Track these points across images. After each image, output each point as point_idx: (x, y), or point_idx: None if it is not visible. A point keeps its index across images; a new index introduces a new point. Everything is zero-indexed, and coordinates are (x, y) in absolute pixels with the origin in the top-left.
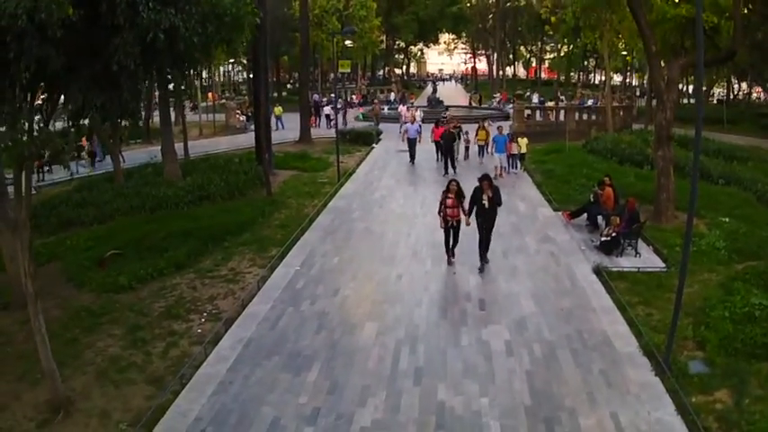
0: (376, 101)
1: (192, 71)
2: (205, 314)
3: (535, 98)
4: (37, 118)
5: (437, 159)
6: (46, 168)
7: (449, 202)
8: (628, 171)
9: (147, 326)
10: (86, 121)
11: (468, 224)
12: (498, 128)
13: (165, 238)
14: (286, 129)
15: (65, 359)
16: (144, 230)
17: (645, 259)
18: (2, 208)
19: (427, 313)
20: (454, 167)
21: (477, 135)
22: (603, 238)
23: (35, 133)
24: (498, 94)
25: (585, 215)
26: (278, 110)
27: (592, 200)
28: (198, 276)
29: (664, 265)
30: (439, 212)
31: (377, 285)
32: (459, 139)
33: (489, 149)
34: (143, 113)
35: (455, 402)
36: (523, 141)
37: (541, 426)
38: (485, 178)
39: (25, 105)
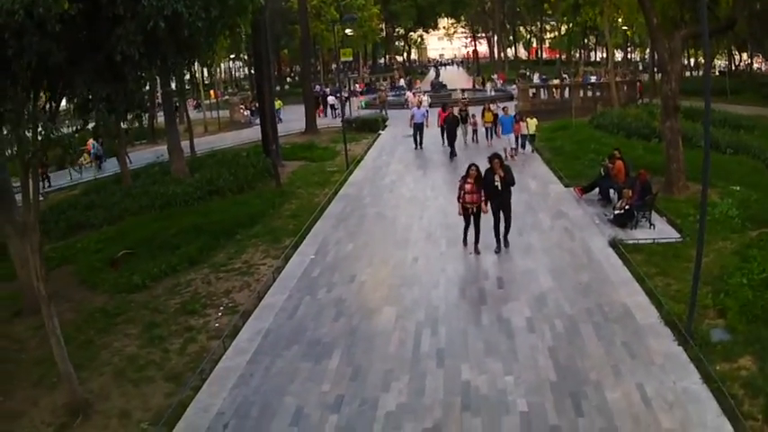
0: (382, 88)
1: (196, 59)
2: (221, 308)
3: (536, 78)
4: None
5: (442, 144)
6: (43, 177)
7: (468, 187)
8: (636, 144)
9: (164, 323)
10: (93, 116)
11: (485, 212)
12: (503, 108)
13: (177, 234)
14: (289, 120)
15: (81, 361)
16: (154, 228)
17: (659, 230)
18: (10, 213)
19: (445, 294)
20: (454, 153)
21: (483, 117)
22: (617, 211)
23: (40, 133)
24: (496, 75)
25: (597, 189)
26: (277, 103)
27: (603, 174)
28: (212, 271)
29: (678, 235)
30: (458, 199)
31: (393, 269)
32: (467, 122)
33: (497, 131)
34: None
35: (479, 382)
36: (532, 122)
37: (568, 401)
38: (495, 157)
39: (29, 104)
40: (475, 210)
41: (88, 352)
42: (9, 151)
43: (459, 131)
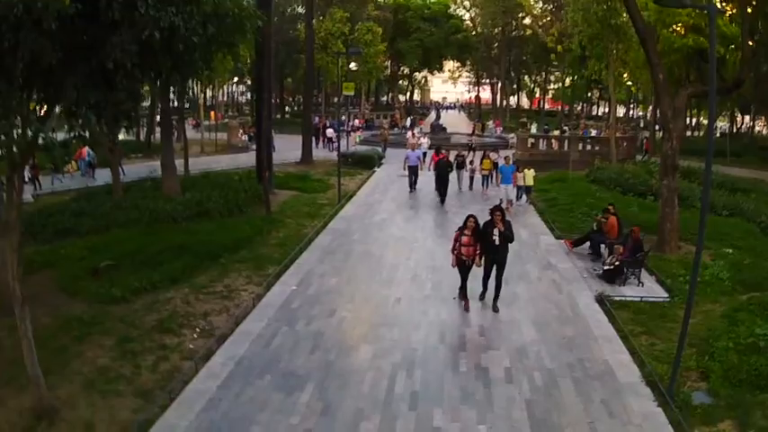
0: (385, 126)
1: (193, 76)
2: (198, 330)
3: (533, 128)
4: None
5: (435, 188)
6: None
7: (464, 240)
8: (631, 201)
9: (138, 338)
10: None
11: (479, 265)
12: (505, 158)
13: (161, 251)
14: (285, 150)
15: (52, 367)
16: (140, 243)
17: (648, 289)
18: None
19: (425, 337)
20: (443, 199)
21: (481, 164)
22: (606, 267)
23: (30, 134)
24: (491, 122)
25: (588, 244)
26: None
27: (595, 228)
28: (192, 291)
29: (667, 294)
30: (453, 250)
31: (375, 308)
32: (463, 168)
33: (494, 180)
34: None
35: (452, 429)
36: (530, 173)
37: None
38: (497, 209)
39: (21, 104)
40: (470, 262)
41: (60, 358)
42: None
43: (453, 177)
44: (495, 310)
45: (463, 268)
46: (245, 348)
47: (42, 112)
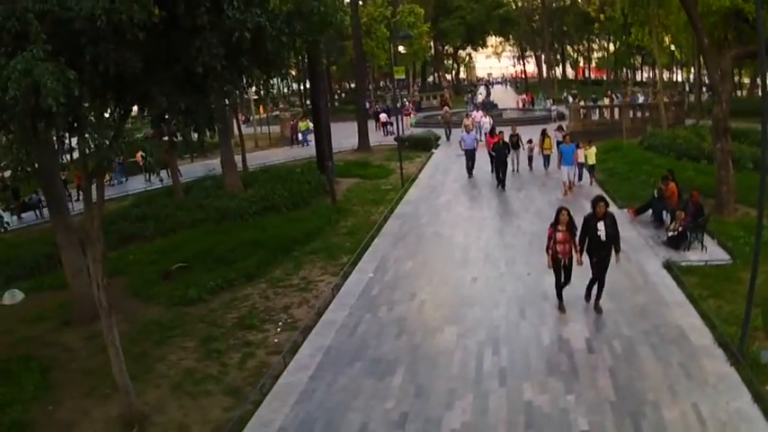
0: (446, 108)
1: (279, 73)
2: (280, 323)
3: (570, 98)
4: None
5: (492, 171)
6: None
7: (559, 236)
8: (686, 166)
9: (221, 337)
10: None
11: (580, 263)
12: (565, 137)
13: (233, 249)
14: (338, 138)
15: (136, 373)
16: (210, 242)
17: (711, 252)
18: (65, 223)
19: (506, 314)
20: (503, 183)
21: (542, 144)
22: (670, 233)
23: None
24: (522, 96)
25: (650, 211)
26: (304, 125)
27: (656, 195)
28: (269, 286)
29: (729, 257)
30: (547, 249)
31: (453, 289)
32: (518, 148)
33: (557, 161)
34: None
35: (541, 401)
36: (591, 151)
37: (627, 420)
38: (600, 200)
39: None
40: (567, 261)
41: (143, 364)
42: (65, 158)
43: (509, 159)
44: (598, 310)
45: (559, 268)
46: (331, 338)
47: (119, 116)
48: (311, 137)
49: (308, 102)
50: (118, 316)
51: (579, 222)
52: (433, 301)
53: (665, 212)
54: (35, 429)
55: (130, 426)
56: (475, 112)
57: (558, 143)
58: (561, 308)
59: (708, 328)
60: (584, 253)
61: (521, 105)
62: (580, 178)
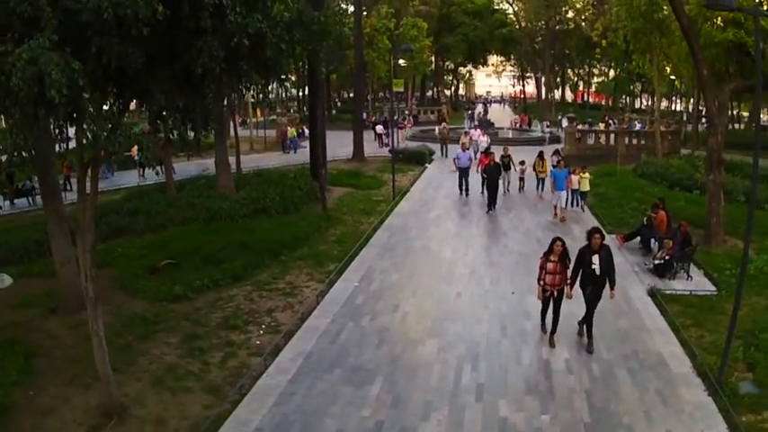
0: (444, 123)
1: (278, 78)
2: (263, 326)
3: (565, 121)
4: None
5: (481, 192)
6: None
7: (550, 266)
8: (678, 195)
9: (205, 335)
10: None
11: (570, 297)
12: (559, 162)
13: (221, 249)
14: (334, 147)
15: (118, 365)
16: (199, 241)
17: (696, 282)
18: (57, 212)
19: (488, 331)
20: (492, 205)
21: (537, 167)
22: (657, 261)
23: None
24: (517, 116)
25: (639, 238)
26: (292, 131)
27: (645, 223)
28: (255, 289)
29: (714, 288)
30: (539, 280)
31: (437, 303)
32: (511, 169)
33: (550, 185)
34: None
35: (517, 418)
36: (585, 177)
37: None
38: (596, 231)
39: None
40: (556, 293)
41: (126, 356)
42: (60, 147)
43: (500, 180)
44: (590, 350)
45: (546, 300)
46: (313, 344)
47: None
48: (306, 143)
49: (305, 108)
50: (103, 308)
51: (574, 253)
52: (417, 313)
53: (653, 240)
54: (15, 413)
55: (109, 416)
56: (473, 131)
57: (553, 167)
58: (551, 342)
59: (688, 357)
60: (576, 287)
61: (515, 126)
62: (572, 204)
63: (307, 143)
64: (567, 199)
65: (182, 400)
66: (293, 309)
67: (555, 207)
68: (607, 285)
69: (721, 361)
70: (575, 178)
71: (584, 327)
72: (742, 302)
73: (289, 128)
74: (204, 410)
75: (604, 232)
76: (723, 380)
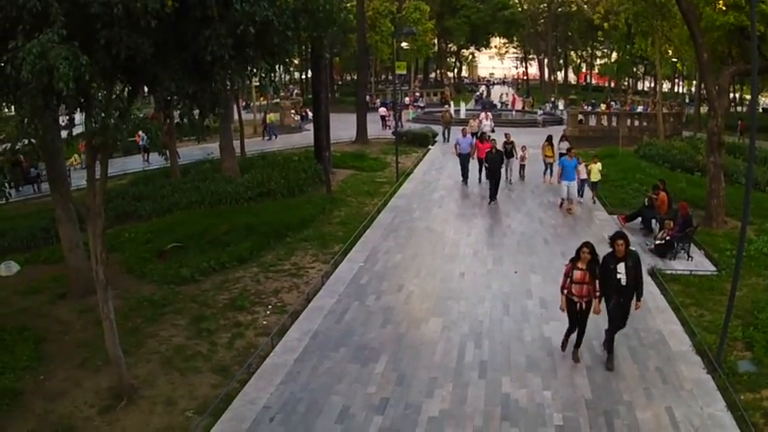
0: (447, 106)
1: (283, 63)
2: (270, 307)
3: (561, 104)
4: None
5: (479, 180)
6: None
7: (578, 275)
8: (679, 177)
9: (212, 317)
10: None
11: (597, 311)
12: (569, 150)
13: (227, 232)
14: (337, 129)
15: (128, 348)
16: (205, 224)
17: (697, 262)
18: (63, 198)
19: (490, 310)
20: (494, 196)
21: (543, 152)
22: (658, 242)
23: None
24: (510, 98)
25: (640, 219)
26: (270, 117)
27: (646, 204)
28: (261, 270)
29: (714, 268)
30: (562, 289)
31: (440, 282)
32: (512, 156)
33: (557, 175)
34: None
35: (519, 395)
36: (596, 167)
37: (601, 419)
38: (619, 237)
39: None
40: (584, 305)
41: (135, 339)
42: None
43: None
44: (610, 367)
45: (573, 312)
46: (319, 323)
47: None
48: (310, 126)
49: (309, 91)
50: (112, 291)
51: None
52: (420, 292)
53: (654, 221)
54: (26, 397)
55: (120, 398)
56: (482, 114)
57: (561, 155)
58: (575, 356)
59: (687, 335)
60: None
61: (522, 108)
62: (581, 194)
63: (311, 126)
64: (576, 189)
65: (191, 380)
66: (299, 289)
67: (563, 200)
68: (634, 299)
69: (720, 339)
70: (582, 168)
71: (606, 339)
72: (742, 283)
73: (267, 114)
74: (213, 390)
75: (629, 237)
76: (722, 358)
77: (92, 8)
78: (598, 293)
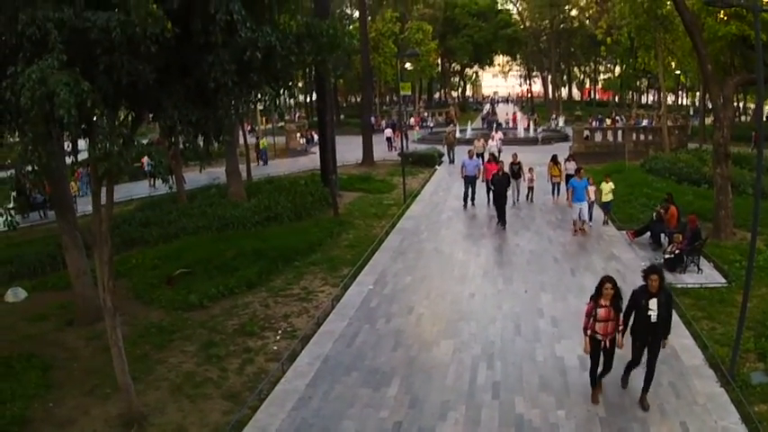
0: (451, 127)
1: (287, 87)
2: (280, 331)
3: (561, 121)
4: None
5: (488, 203)
6: None
7: (601, 313)
8: (686, 190)
9: (221, 342)
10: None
11: (621, 346)
12: (578, 170)
13: (235, 257)
14: (343, 152)
15: (137, 375)
16: (212, 250)
17: (707, 275)
18: (69, 225)
19: (502, 330)
20: (503, 220)
21: (550, 172)
22: (667, 256)
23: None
24: (510, 117)
25: (649, 233)
26: (262, 142)
27: (654, 218)
28: (270, 295)
29: (724, 280)
30: (585, 330)
31: (450, 304)
32: (519, 177)
33: (567, 194)
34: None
35: (532, 415)
36: (608, 186)
37: None
38: (653, 272)
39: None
40: (608, 343)
41: (144, 366)
42: (71, 159)
43: (510, 190)
44: (645, 407)
45: (597, 352)
46: (329, 348)
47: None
48: (316, 149)
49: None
50: (120, 318)
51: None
52: (431, 315)
53: (662, 235)
54: (35, 425)
55: (129, 425)
56: (495, 134)
57: (569, 176)
58: (595, 398)
59: (699, 349)
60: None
61: (527, 126)
62: (590, 218)
63: (316, 149)
64: (587, 210)
65: (201, 406)
66: (309, 314)
67: (575, 222)
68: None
69: (732, 352)
70: (592, 189)
71: (636, 375)
72: (752, 294)
73: (260, 139)
74: (224, 416)
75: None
76: (735, 371)
77: (91, 34)
78: (621, 328)
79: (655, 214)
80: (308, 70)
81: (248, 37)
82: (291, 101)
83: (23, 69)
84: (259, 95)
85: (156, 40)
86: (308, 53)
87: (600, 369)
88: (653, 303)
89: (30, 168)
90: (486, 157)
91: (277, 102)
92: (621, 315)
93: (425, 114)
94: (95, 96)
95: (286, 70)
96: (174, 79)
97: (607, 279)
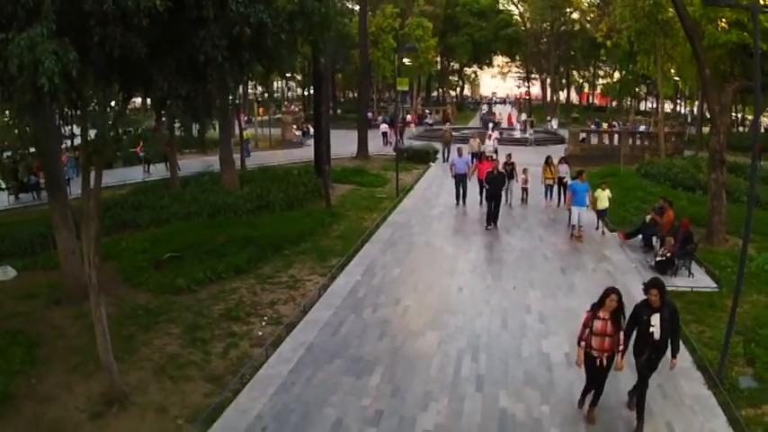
0: (448, 124)
1: (279, 68)
2: (266, 318)
3: (555, 123)
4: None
5: (480, 203)
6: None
7: (599, 326)
8: (681, 195)
9: (207, 326)
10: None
11: (620, 368)
12: (580, 173)
13: (225, 243)
14: (338, 145)
15: (121, 354)
16: (202, 235)
17: (697, 279)
18: (60, 205)
19: (488, 324)
20: (494, 220)
21: (544, 174)
22: (658, 258)
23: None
24: (502, 118)
25: (641, 236)
26: (247, 134)
27: (647, 221)
28: (258, 282)
29: (715, 285)
30: (579, 341)
31: (438, 296)
32: (514, 178)
33: (567, 197)
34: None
35: (516, 409)
36: (605, 194)
37: None
38: (655, 285)
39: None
40: (605, 361)
41: (128, 346)
42: (67, 143)
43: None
44: (631, 407)
45: (592, 369)
46: (314, 335)
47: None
48: (311, 141)
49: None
50: (107, 299)
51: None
52: (418, 306)
53: (654, 238)
54: (18, 400)
55: (111, 403)
56: (491, 133)
57: (560, 178)
58: (590, 417)
59: (688, 352)
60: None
61: (524, 127)
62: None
63: (312, 141)
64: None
65: (183, 388)
66: (295, 301)
67: (573, 227)
68: (667, 352)
69: (721, 355)
70: (588, 196)
71: (635, 400)
72: (743, 299)
73: (245, 131)
74: (205, 399)
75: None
76: (723, 374)
77: (85, 5)
78: (622, 347)
79: (647, 217)
80: (307, 63)
81: (239, 12)
82: (289, 93)
83: (14, 37)
84: (251, 74)
85: (149, 14)
86: (299, 31)
87: (594, 391)
88: (655, 319)
89: (22, 148)
90: (488, 150)
91: (272, 91)
92: (621, 333)
93: (426, 111)
94: (82, 67)
95: (277, 48)
96: (166, 53)
97: (612, 290)
